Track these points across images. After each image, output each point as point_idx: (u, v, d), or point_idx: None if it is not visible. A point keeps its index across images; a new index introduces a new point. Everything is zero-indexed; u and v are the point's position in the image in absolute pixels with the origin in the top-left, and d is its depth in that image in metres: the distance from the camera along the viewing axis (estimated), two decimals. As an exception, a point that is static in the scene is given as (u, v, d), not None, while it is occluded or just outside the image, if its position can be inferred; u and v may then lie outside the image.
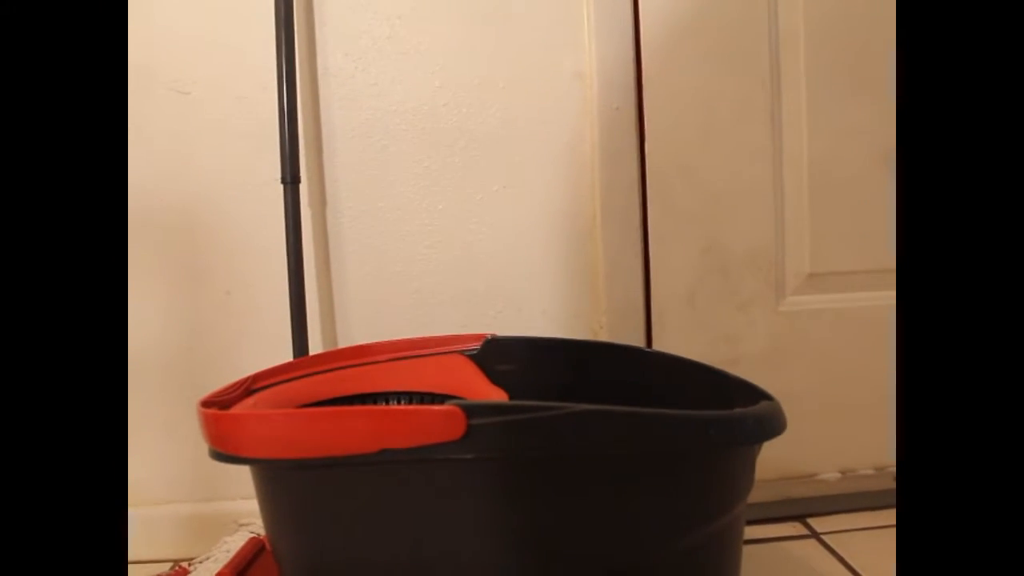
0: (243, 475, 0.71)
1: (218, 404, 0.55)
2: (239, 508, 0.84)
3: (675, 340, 0.89)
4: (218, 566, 0.70)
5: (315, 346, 0.81)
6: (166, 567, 0.81)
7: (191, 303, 0.84)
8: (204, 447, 0.49)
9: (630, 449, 0.46)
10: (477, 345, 0.74)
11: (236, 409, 0.58)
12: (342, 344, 0.85)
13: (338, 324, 0.85)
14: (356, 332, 0.85)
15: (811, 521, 0.88)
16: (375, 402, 0.69)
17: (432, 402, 0.67)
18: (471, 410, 0.44)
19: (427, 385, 0.71)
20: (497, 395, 0.69)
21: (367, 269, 0.86)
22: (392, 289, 0.86)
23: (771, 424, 0.49)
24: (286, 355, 0.78)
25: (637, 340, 0.88)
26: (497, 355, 0.73)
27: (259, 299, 0.84)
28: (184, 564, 0.75)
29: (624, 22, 0.86)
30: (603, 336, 0.88)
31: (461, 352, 0.73)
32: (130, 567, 0.82)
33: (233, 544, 0.73)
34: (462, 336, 0.75)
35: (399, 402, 0.70)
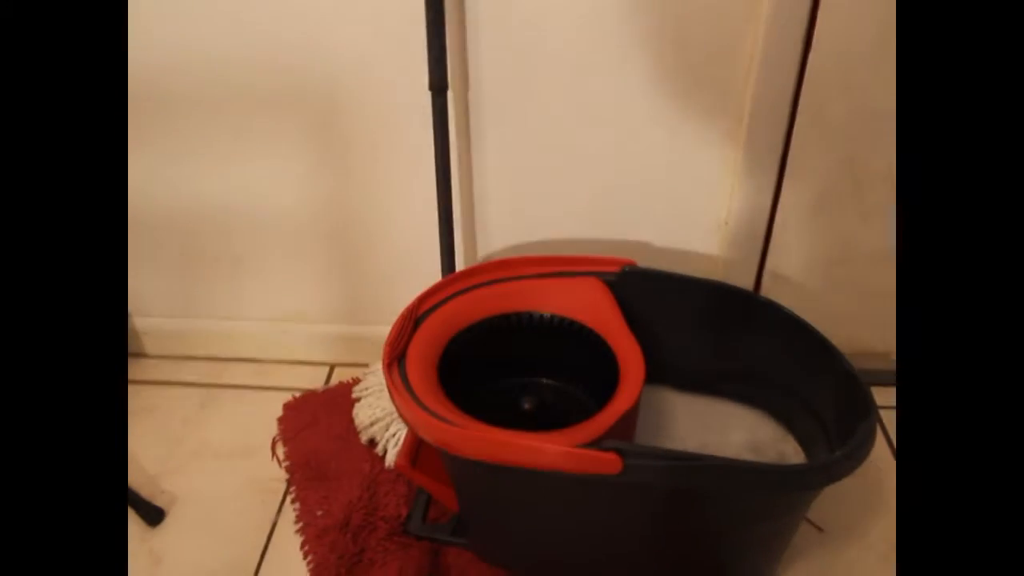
0: (382, 306, 0.90)
1: (395, 351, 0.69)
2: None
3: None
4: (375, 399, 0.88)
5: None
6: (323, 369, 1.01)
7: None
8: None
9: (747, 492, 0.60)
10: (616, 270, 0.78)
11: (411, 351, 0.69)
12: (480, 246, 0.91)
13: (477, 226, 0.90)
14: (495, 238, 0.90)
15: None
16: (519, 320, 0.79)
17: (570, 328, 0.77)
18: (627, 454, 0.56)
19: (564, 308, 0.78)
20: (626, 338, 0.74)
21: (507, 169, 0.87)
22: (530, 201, 0.89)
23: (860, 458, 0.59)
24: (427, 228, 0.84)
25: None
26: (633, 286, 0.78)
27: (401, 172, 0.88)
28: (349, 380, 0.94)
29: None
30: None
31: (599, 275, 0.78)
32: (298, 366, 1.02)
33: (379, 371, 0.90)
34: (603, 259, 0.79)
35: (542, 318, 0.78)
